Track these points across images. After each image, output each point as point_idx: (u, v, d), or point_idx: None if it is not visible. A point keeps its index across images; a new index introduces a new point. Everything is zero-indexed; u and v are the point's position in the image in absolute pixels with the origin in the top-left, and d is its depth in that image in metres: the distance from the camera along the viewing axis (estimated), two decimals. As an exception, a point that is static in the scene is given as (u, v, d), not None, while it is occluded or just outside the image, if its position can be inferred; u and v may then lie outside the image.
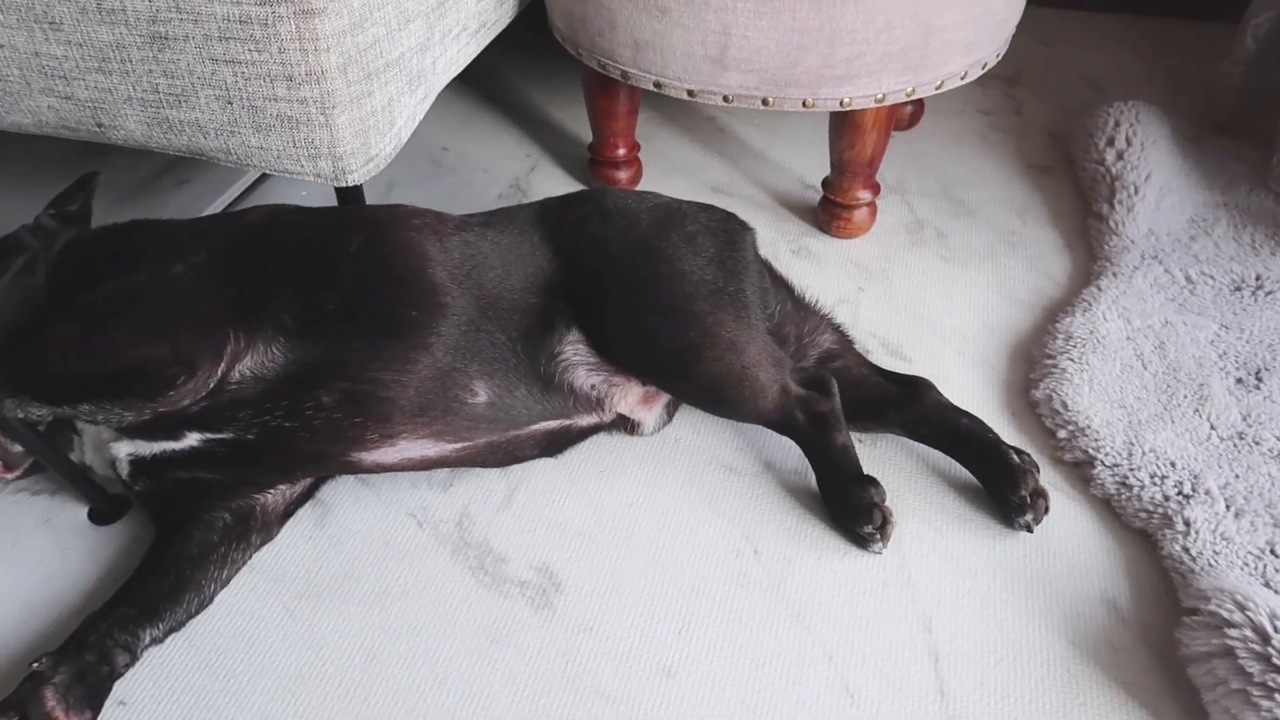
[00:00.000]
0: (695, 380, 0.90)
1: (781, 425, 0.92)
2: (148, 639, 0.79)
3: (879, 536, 0.87)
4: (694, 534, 0.90)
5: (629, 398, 0.96)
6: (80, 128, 1.00)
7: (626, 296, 0.92)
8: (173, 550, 0.83)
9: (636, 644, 0.81)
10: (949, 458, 0.95)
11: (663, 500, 0.93)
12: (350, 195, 1.06)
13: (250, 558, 0.87)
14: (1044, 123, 1.53)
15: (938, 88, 1.11)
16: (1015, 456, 0.89)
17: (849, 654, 0.80)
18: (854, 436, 0.94)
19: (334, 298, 0.87)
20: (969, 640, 0.81)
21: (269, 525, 0.88)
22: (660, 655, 0.80)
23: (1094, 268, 1.19)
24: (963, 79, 1.13)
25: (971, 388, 1.04)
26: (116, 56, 0.92)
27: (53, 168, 1.41)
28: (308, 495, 0.92)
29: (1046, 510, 0.89)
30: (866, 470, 0.90)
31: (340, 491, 0.94)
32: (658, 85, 1.12)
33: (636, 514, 0.92)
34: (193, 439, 0.85)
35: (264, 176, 1.42)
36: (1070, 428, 0.96)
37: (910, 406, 0.96)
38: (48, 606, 0.84)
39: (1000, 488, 0.90)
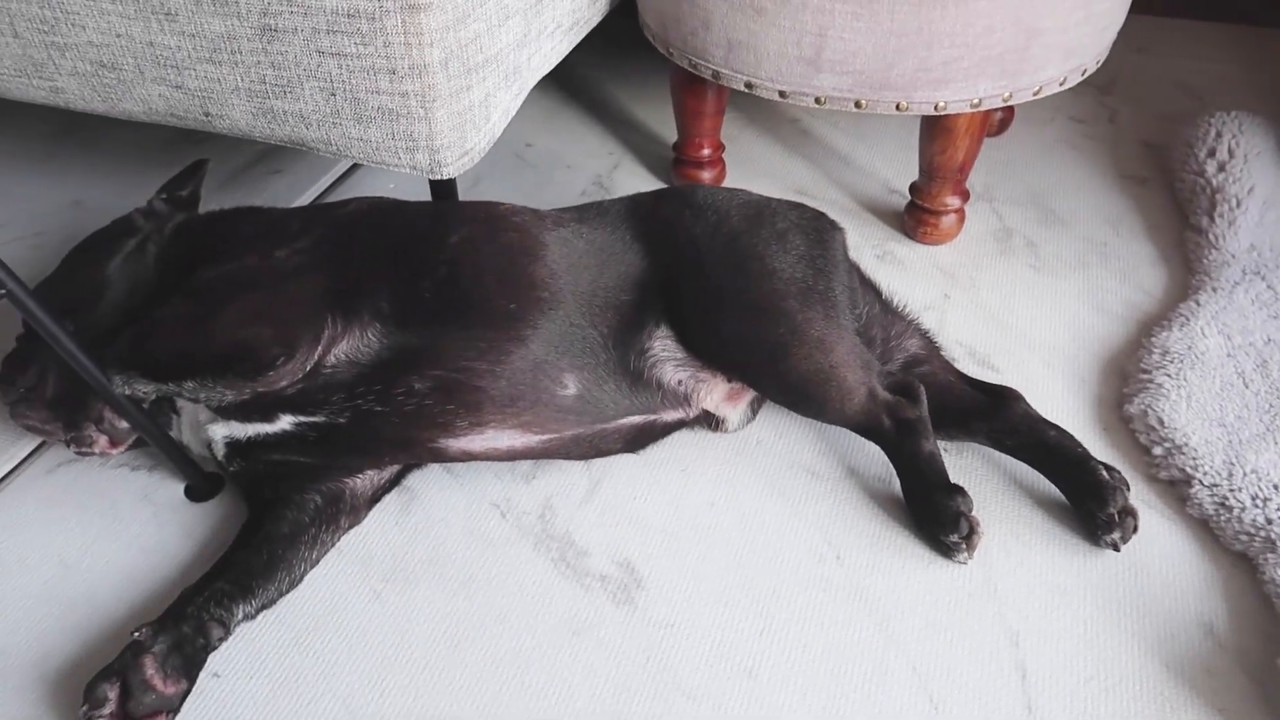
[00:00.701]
0: (782, 378, 0.90)
1: (867, 429, 0.91)
2: (240, 614, 0.81)
3: (964, 546, 0.85)
4: (775, 536, 0.90)
5: (714, 394, 0.96)
6: (188, 116, 1.03)
7: (715, 292, 0.92)
8: (266, 529, 0.85)
9: (718, 643, 0.81)
10: (1035, 470, 0.93)
11: (744, 501, 0.93)
12: (444, 188, 1.08)
13: (339, 540, 0.89)
14: (1139, 132, 1.49)
15: (1035, 93, 1.09)
16: (1105, 472, 0.87)
17: (933, 665, 0.79)
18: (939, 444, 0.92)
19: (430, 287, 0.88)
20: (1058, 657, 0.80)
21: (357, 509, 0.90)
22: (741, 656, 0.80)
23: (1191, 282, 1.15)
24: (1061, 85, 1.11)
25: (1061, 400, 1.02)
26: (227, 47, 0.94)
27: (153, 154, 1.46)
28: (395, 482, 0.94)
29: (1135, 529, 0.87)
30: (953, 479, 0.88)
31: (426, 479, 0.96)
32: (749, 86, 1.12)
33: (718, 514, 0.92)
34: (286, 421, 0.87)
35: (354, 168, 1.45)
36: (1166, 445, 0.93)
37: (997, 416, 0.94)
38: (145, 577, 0.87)
39: (1088, 503, 0.87)
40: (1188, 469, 0.90)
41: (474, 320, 0.87)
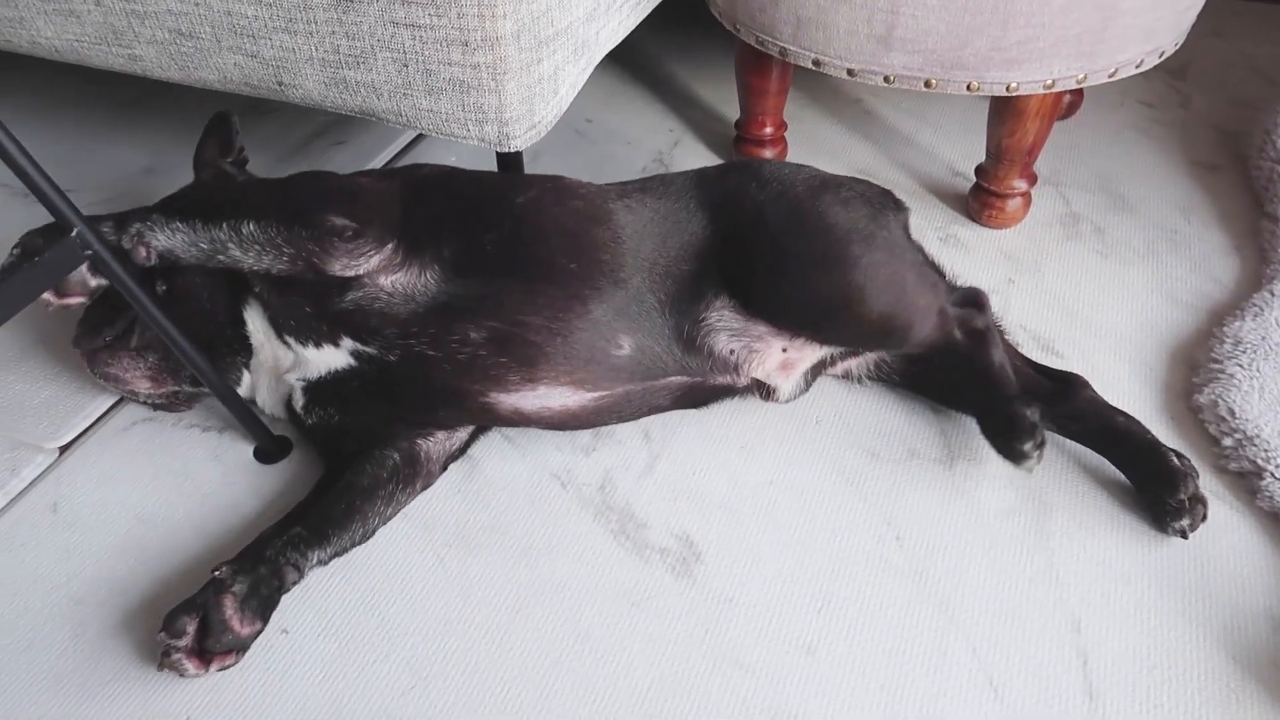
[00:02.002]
0: (858, 324, 0.90)
1: (941, 347, 0.93)
2: (315, 560, 0.83)
3: (1037, 455, 0.86)
4: (834, 515, 0.90)
5: (767, 363, 0.95)
6: (261, 85, 1.05)
7: (781, 252, 0.92)
8: (345, 480, 0.87)
9: (776, 619, 0.82)
10: (1100, 457, 0.92)
11: (803, 480, 0.93)
12: (510, 162, 1.08)
13: (411, 501, 0.91)
14: (1213, 118, 1.45)
15: (1111, 75, 1.07)
16: (1174, 458, 0.86)
17: (993, 647, 0.79)
18: None
19: (494, 240, 0.89)
20: (1120, 645, 0.79)
21: (431, 472, 0.92)
22: (800, 632, 0.81)
23: (1266, 271, 1.13)
24: (1138, 67, 1.08)
25: (1127, 388, 1.01)
26: (303, 17, 0.96)
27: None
28: (463, 450, 0.95)
29: (1204, 517, 0.85)
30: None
31: (488, 449, 0.97)
32: (816, 64, 1.11)
33: (776, 491, 0.92)
34: (346, 347, 0.88)
35: (416, 140, 1.46)
36: (1237, 435, 0.91)
37: (1063, 401, 0.93)
38: (216, 534, 0.90)
39: (1156, 490, 0.86)
40: (1259, 461, 0.89)
41: (535, 276, 0.87)
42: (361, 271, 0.86)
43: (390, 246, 0.87)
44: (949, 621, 0.81)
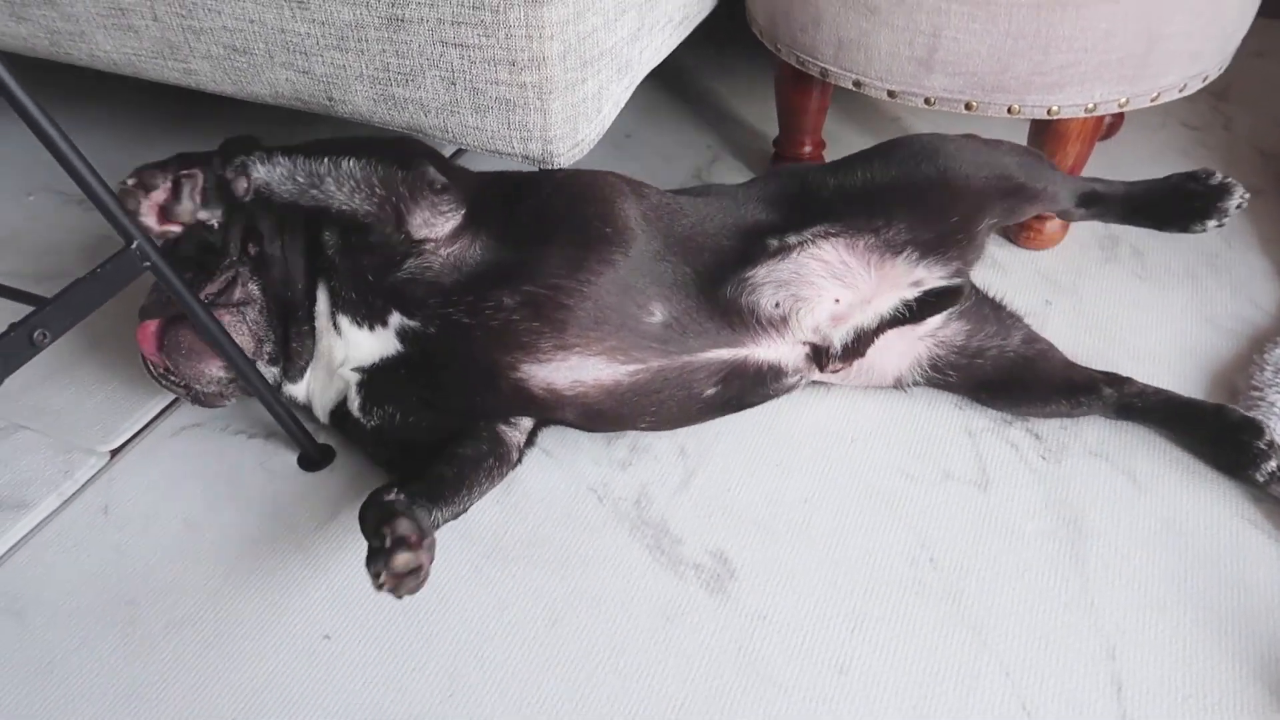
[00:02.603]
0: (1013, 182, 0.98)
1: (1088, 196, 1.05)
2: (436, 520, 0.84)
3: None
4: (869, 536, 0.90)
5: (816, 313, 0.93)
6: (312, 100, 1.08)
7: (908, 173, 0.95)
8: (455, 451, 0.88)
9: (809, 637, 0.82)
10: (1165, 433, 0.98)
11: (838, 499, 0.94)
12: (552, 177, 1.10)
13: (504, 479, 0.93)
14: (1256, 141, 1.44)
15: (1153, 99, 1.07)
16: (1243, 412, 0.93)
17: (1026, 672, 0.79)
18: (1058, 422, 0.99)
19: (531, 208, 0.91)
20: (1155, 673, 0.79)
21: (512, 457, 0.94)
22: (833, 651, 0.81)
23: (1308, 298, 1.12)
24: (1181, 91, 1.08)
25: (1166, 414, 1.01)
26: (354, 35, 0.98)
27: (269, 137, 1.51)
28: (530, 441, 0.96)
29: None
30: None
31: (526, 462, 0.98)
32: (857, 84, 1.12)
33: (812, 510, 0.93)
34: (394, 325, 0.89)
35: (458, 154, 1.48)
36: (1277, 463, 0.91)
37: (1125, 383, 0.98)
38: (262, 539, 0.92)
39: (1239, 437, 0.92)
40: (1299, 490, 0.88)
41: (568, 239, 0.88)
42: (436, 234, 0.88)
43: (464, 214, 0.89)
44: (982, 644, 0.81)
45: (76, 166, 0.73)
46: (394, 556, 0.73)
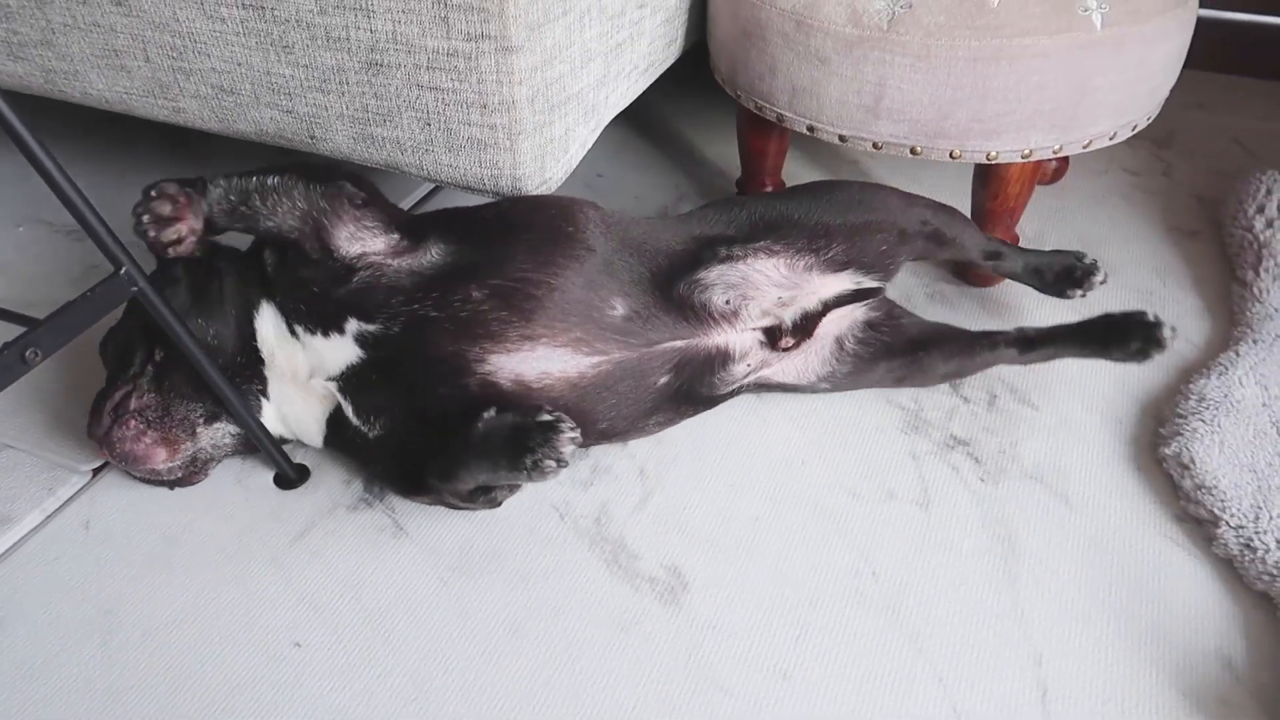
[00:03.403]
0: (925, 228, 1.09)
1: (990, 252, 1.16)
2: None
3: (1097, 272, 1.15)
4: (815, 551, 0.96)
5: (765, 299, 1.01)
6: (295, 138, 1.14)
7: (848, 205, 1.07)
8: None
9: (756, 645, 0.87)
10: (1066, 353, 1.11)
11: (787, 517, 0.99)
12: (521, 213, 1.16)
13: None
14: (1193, 186, 1.53)
15: (1085, 146, 1.14)
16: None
17: (959, 678, 0.84)
18: (997, 446, 1.04)
19: (492, 213, 0.98)
20: (1078, 678, 0.84)
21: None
22: (777, 658, 0.86)
23: (1234, 333, 1.19)
24: (1111, 139, 1.16)
25: (1097, 439, 1.07)
26: (336, 78, 1.04)
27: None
28: None
29: (1173, 329, 1.06)
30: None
31: (492, 480, 1.03)
32: (811, 129, 1.19)
33: (761, 527, 0.98)
34: (351, 330, 0.92)
35: (434, 190, 1.55)
36: (1196, 485, 0.97)
37: (1012, 329, 1.13)
38: (237, 553, 0.96)
39: (1129, 322, 1.08)
40: (1215, 510, 0.94)
41: (534, 235, 0.95)
42: (367, 250, 0.93)
43: (396, 236, 0.94)
44: (918, 652, 0.86)
45: (70, 196, 0.78)
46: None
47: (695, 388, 1.01)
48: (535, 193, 1.07)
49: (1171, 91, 1.23)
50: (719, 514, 1.00)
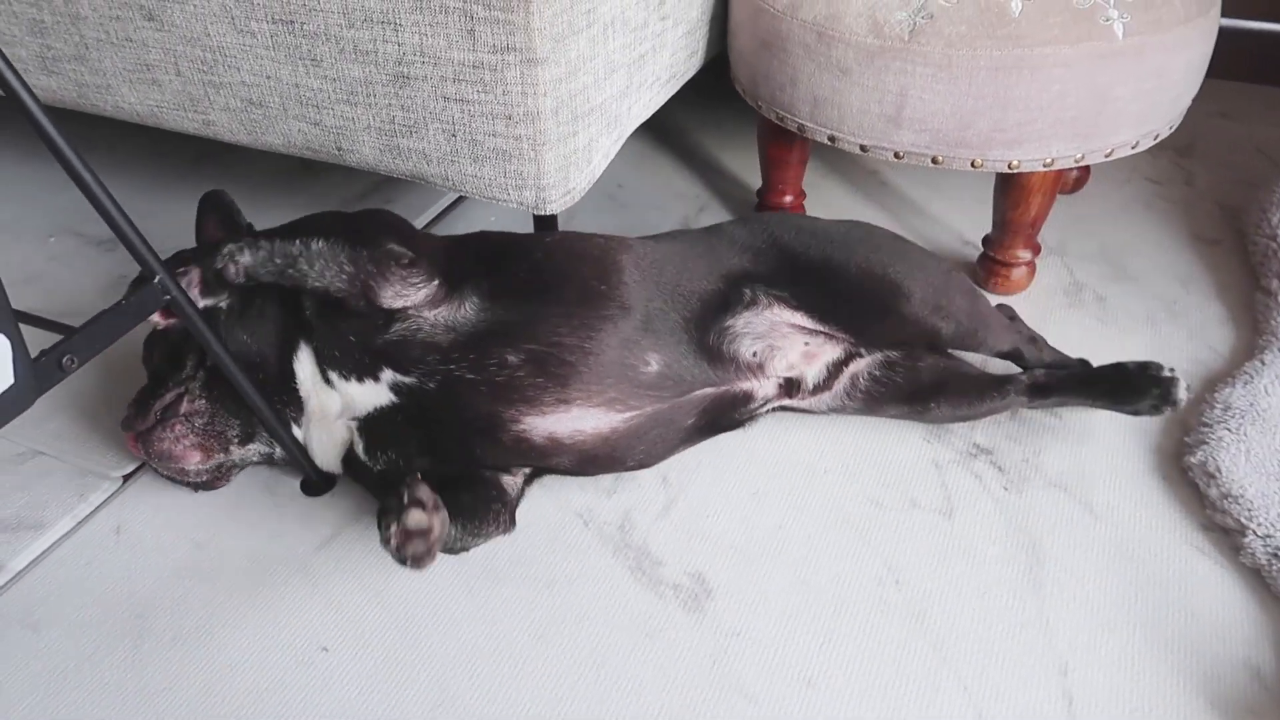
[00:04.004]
0: (955, 320, 1.04)
1: (1012, 353, 1.10)
2: (456, 539, 0.90)
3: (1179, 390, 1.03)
4: (838, 559, 0.96)
5: (790, 355, 1.02)
6: (322, 150, 1.15)
7: (861, 272, 1.04)
8: (457, 494, 0.91)
9: (780, 653, 0.87)
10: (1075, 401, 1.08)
11: (810, 525, 0.99)
12: (546, 224, 1.17)
13: (495, 536, 0.95)
14: (1216, 195, 1.52)
15: (1107, 155, 1.15)
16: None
17: (984, 686, 0.84)
18: (1021, 455, 1.06)
19: (526, 270, 0.97)
20: (1105, 688, 0.84)
21: (509, 516, 0.97)
22: (802, 666, 0.86)
23: (1258, 342, 1.18)
24: (1133, 148, 1.16)
25: (1121, 448, 1.06)
26: (363, 91, 1.06)
27: (279, 182, 1.59)
28: (520, 497, 1.00)
29: (1188, 388, 1.03)
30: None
31: (516, 488, 1.04)
32: (832, 139, 1.20)
33: (785, 535, 0.99)
34: (385, 379, 0.93)
35: (458, 201, 1.56)
36: (1223, 494, 0.97)
37: (1029, 372, 1.09)
38: (266, 559, 0.97)
39: (1139, 379, 1.04)
40: (1242, 519, 0.94)
41: (567, 297, 0.94)
42: (409, 304, 0.93)
43: (437, 283, 0.94)
44: (943, 661, 0.86)
45: (107, 206, 0.80)
46: (408, 512, 0.77)
47: (718, 421, 1.04)
48: (560, 203, 1.08)
49: (1194, 100, 1.23)
50: (742, 521, 1.00)
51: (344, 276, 0.91)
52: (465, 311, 0.94)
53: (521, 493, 1.01)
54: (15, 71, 0.70)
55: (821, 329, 1.03)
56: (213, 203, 1.06)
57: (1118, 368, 1.06)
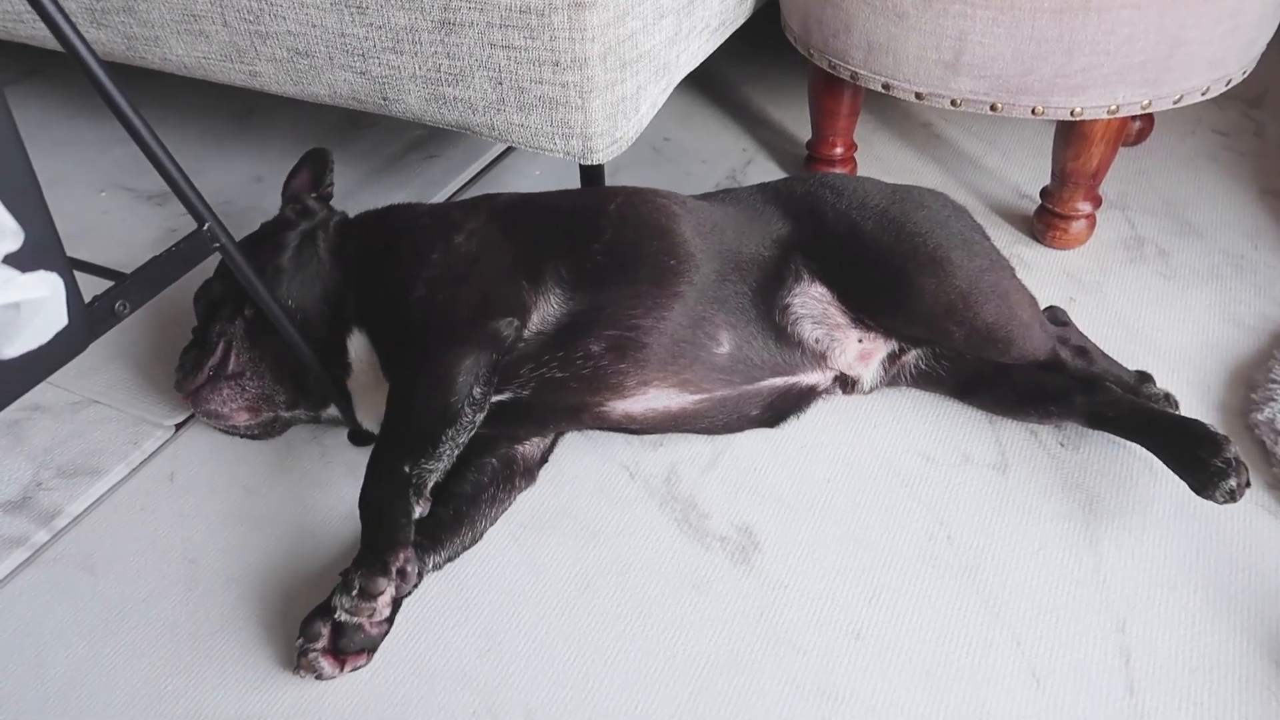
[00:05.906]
0: (967, 325, 0.94)
1: (1049, 363, 0.98)
2: (430, 565, 0.89)
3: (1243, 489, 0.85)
4: (888, 514, 0.94)
5: (847, 353, 1.01)
6: (368, 100, 1.14)
7: (878, 258, 0.97)
8: (450, 489, 0.92)
9: (828, 605, 0.86)
10: (1151, 458, 0.95)
11: (860, 479, 0.98)
12: (593, 175, 1.16)
13: (515, 499, 0.96)
14: (1286, 146, 1.46)
15: (1176, 102, 1.10)
16: (1211, 427, 0.89)
17: (1037, 642, 0.83)
18: (1039, 425, 1.01)
19: (600, 249, 0.95)
20: (1163, 646, 0.82)
21: (530, 471, 0.98)
22: (850, 619, 0.85)
23: (1331, 297, 1.14)
24: (1204, 95, 1.11)
25: (1185, 404, 1.03)
26: (409, 38, 1.05)
27: (323, 136, 1.59)
28: (552, 447, 1.01)
29: (1248, 484, 0.85)
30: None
31: (562, 441, 1.03)
32: (886, 87, 1.16)
33: (833, 489, 0.97)
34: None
35: (503, 154, 1.55)
36: (1291, 453, 0.93)
37: (1097, 391, 0.98)
38: (315, 506, 0.98)
39: (1199, 454, 0.86)
40: (1311, 477, 0.91)
41: (640, 277, 0.94)
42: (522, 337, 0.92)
43: (527, 299, 0.93)
44: (994, 616, 0.85)
45: (159, 156, 0.80)
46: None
47: (782, 415, 1.02)
48: (607, 153, 1.06)
49: (1267, 49, 1.18)
50: (790, 475, 0.99)
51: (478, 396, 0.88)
52: (552, 307, 0.94)
53: (550, 448, 1.01)
54: (74, 26, 0.70)
55: (848, 312, 0.99)
56: (315, 158, 1.12)
57: (1188, 437, 0.89)
